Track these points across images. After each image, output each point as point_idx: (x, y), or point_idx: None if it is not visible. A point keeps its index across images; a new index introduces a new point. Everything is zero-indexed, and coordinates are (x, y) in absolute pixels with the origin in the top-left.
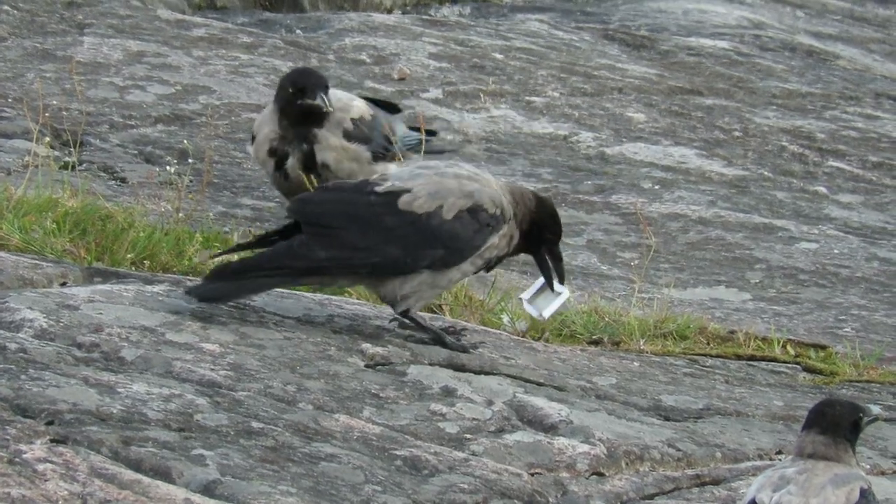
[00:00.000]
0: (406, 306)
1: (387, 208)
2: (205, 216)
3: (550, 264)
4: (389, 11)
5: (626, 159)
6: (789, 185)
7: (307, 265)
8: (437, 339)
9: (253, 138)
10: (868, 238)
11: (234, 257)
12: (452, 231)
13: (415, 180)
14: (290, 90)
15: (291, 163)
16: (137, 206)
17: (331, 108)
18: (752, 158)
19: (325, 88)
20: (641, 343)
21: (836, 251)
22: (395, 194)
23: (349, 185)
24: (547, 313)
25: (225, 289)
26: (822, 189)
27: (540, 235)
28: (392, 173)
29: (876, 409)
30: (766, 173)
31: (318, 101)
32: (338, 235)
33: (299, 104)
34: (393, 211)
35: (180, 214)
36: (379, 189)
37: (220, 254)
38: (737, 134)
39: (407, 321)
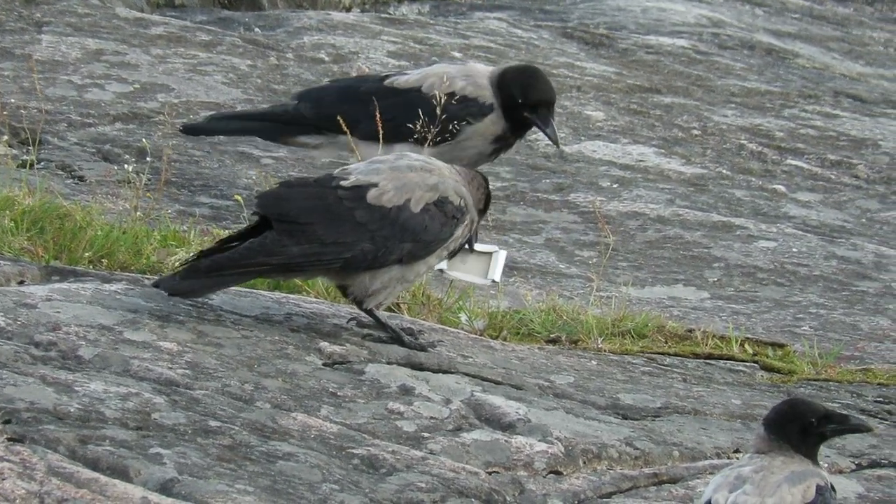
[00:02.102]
0: (375, 302)
1: (356, 203)
2: (163, 215)
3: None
4: (348, 10)
5: (584, 158)
6: (748, 184)
7: (280, 261)
8: (396, 337)
9: (485, 110)
10: (826, 237)
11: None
12: (421, 224)
13: (378, 175)
14: (520, 100)
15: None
16: (95, 205)
17: (561, 147)
18: (710, 157)
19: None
20: (599, 341)
21: (794, 250)
22: (362, 188)
23: (312, 179)
24: (496, 276)
25: (196, 285)
26: (781, 187)
27: (485, 208)
28: (352, 168)
29: (856, 420)
30: (724, 172)
31: (550, 133)
32: (309, 230)
33: (527, 118)
34: (362, 205)
35: (138, 213)
36: (345, 183)
37: (182, 265)
38: (695, 132)
39: (365, 319)
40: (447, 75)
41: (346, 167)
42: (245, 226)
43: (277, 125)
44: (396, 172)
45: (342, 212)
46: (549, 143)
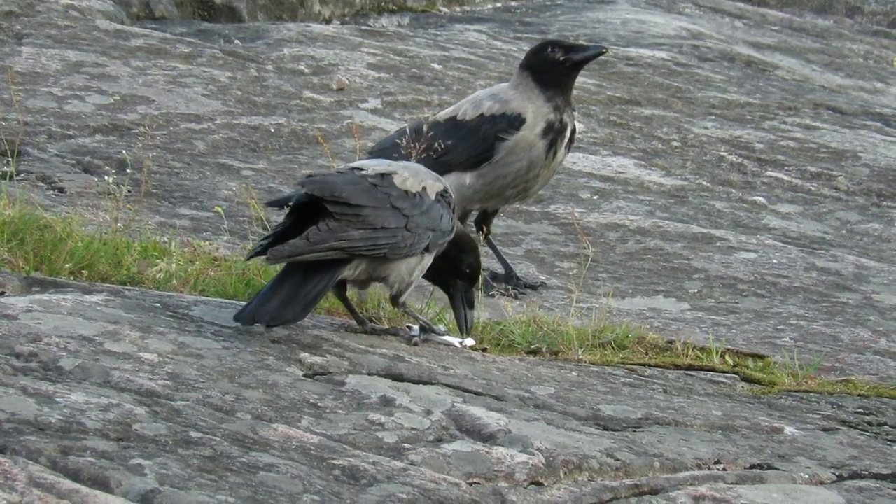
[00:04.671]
0: (402, 291)
1: (388, 188)
2: (143, 226)
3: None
4: (328, 22)
5: (564, 169)
6: (728, 195)
7: (346, 245)
8: (428, 327)
9: (515, 124)
10: (806, 248)
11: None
12: (438, 213)
13: (388, 166)
14: (554, 51)
15: (569, 134)
16: (76, 216)
17: (606, 50)
18: (690, 168)
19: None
20: (580, 353)
21: (774, 261)
22: (387, 176)
23: (336, 171)
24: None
25: (291, 311)
26: (761, 199)
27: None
28: (360, 163)
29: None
30: (704, 183)
31: (593, 52)
32: (362, 214)
33: (576, 59)
34: (394, 190)
35: (118, 224)
36: (368, 173)
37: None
38: (675, 144)
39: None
40: (475, 99)
41: (352, 164)
42: (278, 228)
43: None
44: (401, 164)
45: (380, 197)
46: (603, 57)
